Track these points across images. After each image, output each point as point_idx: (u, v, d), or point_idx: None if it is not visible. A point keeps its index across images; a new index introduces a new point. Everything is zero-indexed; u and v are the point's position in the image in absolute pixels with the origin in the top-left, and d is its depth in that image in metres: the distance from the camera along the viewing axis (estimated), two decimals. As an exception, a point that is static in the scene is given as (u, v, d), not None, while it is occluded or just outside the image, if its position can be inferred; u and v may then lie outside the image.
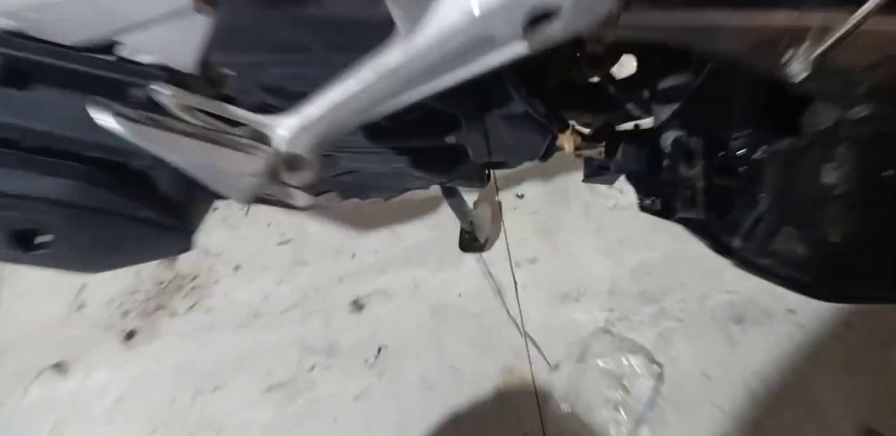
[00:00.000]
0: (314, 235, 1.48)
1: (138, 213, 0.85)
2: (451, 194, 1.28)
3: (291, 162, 0.61)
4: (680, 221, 0.80)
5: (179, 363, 1.39)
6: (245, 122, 0.60)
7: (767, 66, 0.57)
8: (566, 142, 0.78)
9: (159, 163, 0.91)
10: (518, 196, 1.45)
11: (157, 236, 0.88)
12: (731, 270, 1.30)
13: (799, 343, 1.22)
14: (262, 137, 0.61)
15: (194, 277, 1.48)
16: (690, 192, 0.77)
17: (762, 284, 1.28)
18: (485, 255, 1.40)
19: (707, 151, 0.78)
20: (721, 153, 0.77)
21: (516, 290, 1.35)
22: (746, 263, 0.81)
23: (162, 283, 1.48)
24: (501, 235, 1.42)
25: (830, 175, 0.72)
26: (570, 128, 0.78)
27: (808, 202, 0.74)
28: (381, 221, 1.47)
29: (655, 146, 0.82)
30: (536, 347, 1.29)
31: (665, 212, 0.80)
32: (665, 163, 0.80)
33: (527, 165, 1.47)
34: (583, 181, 0.98)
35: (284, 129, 0.60)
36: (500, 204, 1.45)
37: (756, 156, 0.75)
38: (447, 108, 0.72)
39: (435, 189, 1.35)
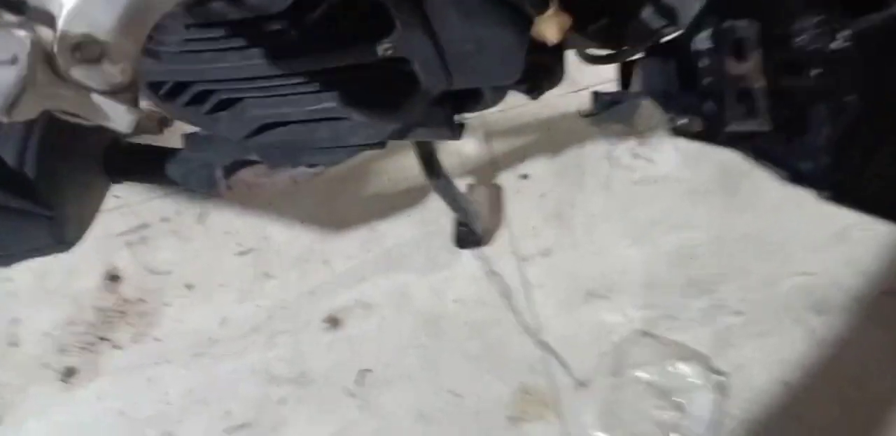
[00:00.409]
0: (278, 242, 1.23)
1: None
2: (434, 174, 1.02)
3: (82, 48, 0.36)
4: (733, 141, 0.55)
5: (123, 406, 1.14)
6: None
7: None
8: (547, 27, 0.51)
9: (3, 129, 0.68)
10: (522, 176, 1.19)
11: (3, 223, 0.65)
12: (802, 246, 1.03)
13: (902, 334, 0.94)
14: (42, 14, 0.36)
15: (141, 301, 1.23)
16: (746, 94, 0.52)
17: (846, 261, 1.01)
18: (485, 250, 1.13)
19: (764, 41, 0.54)
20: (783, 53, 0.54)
21: (526, 290, 1.09)
22: (842, 192, 0.56)
23: (103, 310, 1.23)
24: (504, 225, 1.16)
25: None
26: (553, 5, 0.51)
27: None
28: (357, 219, 1.21)
29: (686, 55, 0.58)
30: (558, 359, 1.03)
31: (710, 131, 0.55)
32: (704, 63, 0.56)
33: (527, 137, 1.23)
34: (583, 116, 0.74)
35: (67, -3, 0.35)
36: (499, 188, 1.19)
37: (834, 45, 0.52)
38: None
39: (418, 176, 1.09)
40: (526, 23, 0.52)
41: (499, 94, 0.68)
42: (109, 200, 1.32)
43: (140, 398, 1.14)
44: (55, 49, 0.35)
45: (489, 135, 1.23)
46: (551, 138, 1.21)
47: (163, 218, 1.30)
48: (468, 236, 1.13)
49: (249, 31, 0.53)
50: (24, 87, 0.34)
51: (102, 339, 1.21)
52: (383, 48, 0.54)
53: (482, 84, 0.62)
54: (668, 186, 1.12)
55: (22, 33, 0.34)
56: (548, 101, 1.23)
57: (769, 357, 0.96)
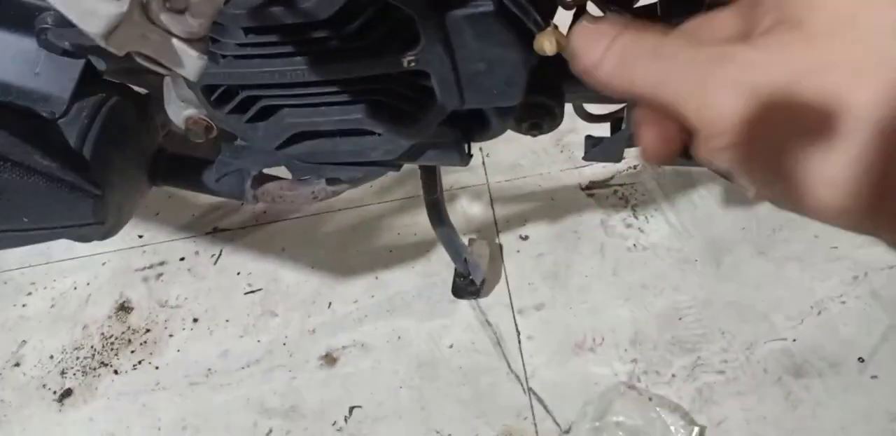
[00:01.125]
0: (287, 284, 1.28)
1: (33, 159, 0.70)
2: (440, 222, 1.10)
3: (172, 0, 0.46)
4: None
5: (114, 429, 1.15)
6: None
7: None
8: (545, 41, 0.60)
9: (72, 113, 0.77)
10: (521, 238, 1.26)
11: (54, 192, 0.72)
12: (782, 315, 1.08)
13: (875, 399, 0.97)
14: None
15: (147, 331, 1.27)
16: None
17: (824, 330, 1.05)
18: (482, 301, 1.18)
19: None
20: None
21: (519, 340, 1.12)
22: None
23: (110, 337, 1.28)
24: (502, 280, 1.21)
25: None
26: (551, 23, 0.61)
27: None
28: (364, 267, 1.27)
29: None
30: (543, 406, 1.04)
31: (686, 152, 0.62)
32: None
33: (529, 204, 1.31)
34: (584, 159, 0.82)
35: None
36: (500, 247, 1.26)
37: None
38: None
39: (426, 232, 1.17)
40: (529, 45, 0.62)
41: (503, 123, 0.77)
42: (133, 239, 1.42)
43: (132, 423, 1.16)
44: (152, -2, 0.44)
45: (494, 200, 1.32)
46: (552, 206, 1.29)
47: (181, 257, 1.37)
48: (466, 287, 1.18)
49: (297, 37, 0.63)
50: (122, 20, 0.44)
51: (104, 364, 1.24)
52: (407, 60, 0.63)
53: (489, 104, 0.70)
54: (659, 254, 1.18)
55: (128, -21, 0.43)
56: (550, 175, 1.34)
57: (748, 415, 0.98)
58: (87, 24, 0.44)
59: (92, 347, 1.27)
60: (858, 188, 0.24)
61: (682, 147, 0.32)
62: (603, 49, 0.31)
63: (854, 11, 0.24)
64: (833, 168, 0.24)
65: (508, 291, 1.19)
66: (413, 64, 0.65)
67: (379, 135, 0.74)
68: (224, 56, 0.68)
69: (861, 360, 1.00)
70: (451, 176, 1.35)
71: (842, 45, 0.24)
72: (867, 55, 0.23)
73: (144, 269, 1.37)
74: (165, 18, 0.45)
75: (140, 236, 1.42)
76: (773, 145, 0.25)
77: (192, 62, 0.49)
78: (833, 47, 0.24)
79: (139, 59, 0.48)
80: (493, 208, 1.31)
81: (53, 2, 0.43)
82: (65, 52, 0.69)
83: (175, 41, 0.47)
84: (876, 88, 0.23)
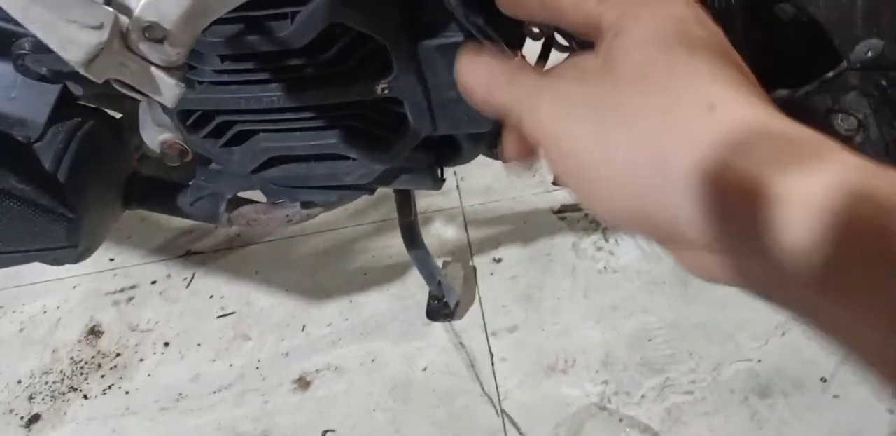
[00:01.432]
0: (261, 307, 1.28)
1: (8, 183, 0.71)
2: (414, 245, 1.11)
3: (151, 30, 0.47)
4: None
5: (81, 456, 1.14)
6: (95, -18, 0.47)
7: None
8: None
9: (47, 137, 0.77)
10: (495, 260, 1.28)
11: (28, 216, 0.72)
12: (747, 335, 1.10)
13: (838, 418, 0.99)
14: (121, 5, 0.47)
15: (117, 355, 1.26)
16: None
17: (788, 350, 1.08)
18: (456, 323, 1.19)
19: None
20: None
21: (492, 362, 1.13)
22: None
23: (80, 361, 1.26)
24: (476, 302, 1.22)
25: (844, 124, 0.58)
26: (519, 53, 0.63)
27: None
28: (338, 290, 1.28)
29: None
30: (516, 427, 1.05)
31: None
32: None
33: (502, 227, 1.33)
34: (553, 183, 0.84)
35: (146, -9, 0.47)
36: (474, 269, 1.27)
37: None
38: (368, 28, 0.59)
39: (400, 255, 1.18)
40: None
41: (475, 148, 0.79)
42: (104, 262, 1.41)
43: (100, 448, 1.14)
44: (130, 27, 0.46)
45: (468, 223, 1.34)
46: (524, 229, 1.31)
47: (153, 280, 1.37)
48: (441, 310, 1.19)
49: (273, 65, 0.64)
50: (102, 49, 0.45)
51: (73, 389, 1.22)
52: (381, 87, 0.65)
53: (461, 130, 0.72)
54: (628, 277, 1.20)
55: (109, 9, 0.45)
56: (523, 198, 1.36)
57: (715, 435, 1.00)
58: (69, 53, 0.45)
59: (61, 371, 1.26)
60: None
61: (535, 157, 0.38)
62: (477, 76, 0.38)
63: (653, 63, 0.29)
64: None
65: (482, 313, 1.20)
66: (386, 91, 0.66)
67: (353, 159, 0.76)
68: (201, 82, 0.69)
69: (823, 380, 1.02)
70: (425, 199, 1.37)
71: (629, 89, 0.29)
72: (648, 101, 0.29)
73: (115, 292, 1.36)
74: (144, 47, 0.47)
75: (111, 260, 1.41)
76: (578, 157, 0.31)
77: (169, 89, 0.50)
78: (619, 91, 0.30)
79: (117, 86, 0.50)
80: (466, 231, 1.33)
81: (35, 30, 0.45)
82: (41, 78, 0.69)
83: (153, 69, 0.49)
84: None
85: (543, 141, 0.32)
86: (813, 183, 0.24)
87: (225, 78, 0.66)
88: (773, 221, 0.24)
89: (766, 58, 0.62)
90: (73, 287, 1.38)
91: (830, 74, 0.54)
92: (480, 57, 0.39)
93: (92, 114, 0.79)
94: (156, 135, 0.79)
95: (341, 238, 1.36)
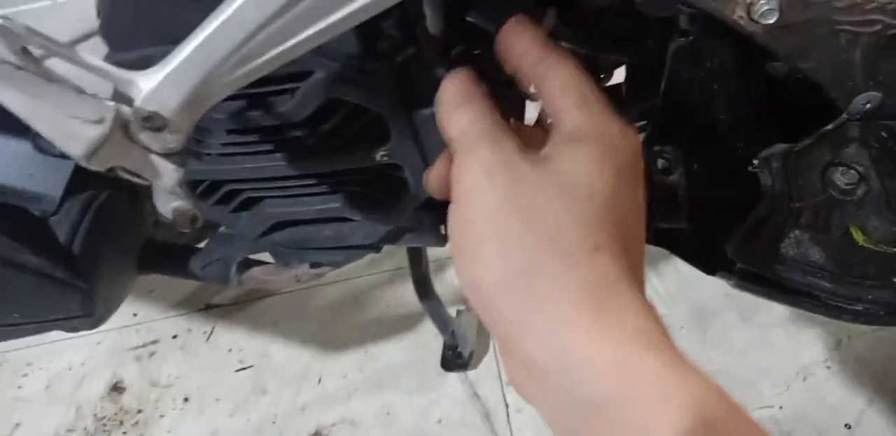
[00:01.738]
0: (278, 359, 1.29)
1: (23, 257, 0.73)
2: (426, 295, 1.12)
3: (151, 120, 0.50)
4: (660, 237, 0.64)
5: (103, 515, 1.14)
6: (99, 75, 0.49)
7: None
8: None
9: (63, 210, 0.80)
10: (509, 308, 1.28)
11: (44, 289, 0.74)
12: (769, 382, 1.09)
13: (865, 467, 0.97)
14: (123, 97, 0.50)
15: (138, 411, 1.27)
16: (671, 201, 0.64)
17: (810, 396, 1.06)
18: (471, 374, 1.19)
19: (686, 160, 0.65)
20: (701, 165, 0.65)
21: (507, 413, 1.13)
22: (748, 276, 0.63)
23: (103, 418, 1.28)
24: (491, 351, 1.22)
25: (844, 178, 0.58)
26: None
27: (820, 205, 0.59)
28: (354, 340, 1.29)
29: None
30: (533, 481, 1.04)
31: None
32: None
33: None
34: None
35: (146, 82, 0.49)
36: (489, 317, 1.27)
37: (751, 168, 0.62)
38: (365, 101, 0.61)
39: (413, 304, 1.19)
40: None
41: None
42: (128, 317, 1.44)
43: (121, 507, 1.15)
44: (131, 118, 0.48)
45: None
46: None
47: (174, 335, 1.39)
48: (455, 360, 1.19)
49: (275, 137, 0.66)
50: (104, 142, 0.47)
51: (95, 447, 1.24)
52: (380, 155, 0.67)
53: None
54: (645, 322, 1.19)
55: (110, 103, 0.47)
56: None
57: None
58: (71, 147, 0.48)
59: (85, 428, 1.27)
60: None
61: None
62: (450, 96, 0.43)
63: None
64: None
65: (497, 362, 1.20)
66: (386, 158, 0.68)
67: (357, 221, 0.77)
68: (209, 154, 0.71)
69: (848, 426, 1.00)
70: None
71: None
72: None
73: (138, 348, 1.38)
74: (145, 137, 0.49)
75: (135, 315, 1.44)
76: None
77: (169, 174, 0.52)
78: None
79: (119, 172, 0.52)
80: (480, 279, 1.33)
81: (38, 127, 0.47)
82: (59, 154, 0.72)
83: (153, 156, 0.51)
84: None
85: (455, 183, 0.37)
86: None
87: (231, 150, 0.68)
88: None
89: (765, 113, 0.63)
90: (98, 343, 1.40)
91: (830, 127, 0.54)
92: (467, 81, 0.43)
93: (108, 184, 0.81)
94: (168, 203, 0.81)
95: (356, 288, 1.37)
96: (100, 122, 0.47)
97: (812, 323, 1.12)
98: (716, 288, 1.21)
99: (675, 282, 1.23)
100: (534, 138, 0.41)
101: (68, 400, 1.32)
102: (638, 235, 0.35)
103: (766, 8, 0.46)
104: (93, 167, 0.48)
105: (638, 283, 0.33)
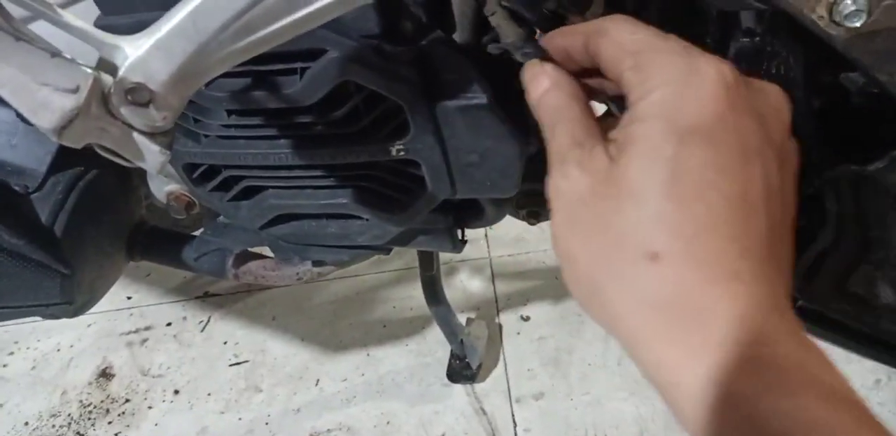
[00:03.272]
0: (274, 356, 1.23)
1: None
2: (435, 301, 1.05)
3: (135, 92, 0.43)
4: None
5: (77, 509, 1.09)
6: (80, 37, 0.42)
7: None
8: None
9: (46, 187, 0.74)
10: (523, 318, 1.20)
11: (20, 271, 0.69)
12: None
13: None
14: (106, 64, 0.43)
15: (126, 401, 1.21)
16: None
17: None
18: (478, 386, 1.12)
19: None
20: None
21: (515, 432, 1.05)
22: (811, 317, 0.56)
23: (89, 405, 1.22)
24: (500, 364, 1.15)
25: None
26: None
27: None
28: (356, 342, 1.22)
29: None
30: (535, 507, 0.97)
31: None
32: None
33: (532, 282, 1.26)
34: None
35: (133, 48, 0.42)
36: (500, 327, 1.20)
37: (811, 190, 0.55)
38: (382, 88, 0.54)
39: (423, 307, 1.12)
40: (524, 137, 0.59)
41: (499, 211, 0.73)
42: (121, 300, 1.38)
43: (97, 502, 1.09)
44: (112, 90, 0.41)
45: (496, 275, 1.27)
46: (555, 286, 1.24)
47: (168, 322, 1.33)
48: (462, 370, 1.12)
49: (281, 121, 0.60)
50: (77, 114, 0.40)
51: (79, 434, 1.18)
52: (396, 149, 0.60)
53: (482, 195, 0.66)
54: (667, 343, 1.12)
55: (88, 70, 0.40)
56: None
57: None
58: (39, 119, 0.41)
59: (69, 414, 1.21)
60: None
61: None
62: (537, 85, 0.40)
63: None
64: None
65: (507, 376, 1.13)
66: (402, 153, 0.61)
67: (366, 220, 0.70)
68: (207, 135, 0.65)
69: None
70: (453, 249, 1.31)
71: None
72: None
73: (130, 333, 1.32)
74: (126, 111, 0.42)
75: (129, 298, 1.38)
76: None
77: (153, 156, 0.45)
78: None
79: (99, 150, 0.45)
80: (494, 284, 1.26)
81: (4, 94, 0.40)
82: (42, 126, 0.66)
83: (136, 135, 0.44)
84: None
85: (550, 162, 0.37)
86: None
87: (232, 132, 0.62)
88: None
89: (828, 127, 0.56)
90: (88, 325, 1.34)
91: (903, 150, 0.47)
92: (546, 68, 0.40)
93: (97, 161, 0.75)
94: (162, 185, 0.75)
95: (362, 286, 1.30)
96: (74, 91, 0.40)
97: (849, 360, 1.03)
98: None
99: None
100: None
101: (53, 383, 1.26)
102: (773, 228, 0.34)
103: (851, 8, 0.39)
104: (65, 143, 0.42)
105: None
